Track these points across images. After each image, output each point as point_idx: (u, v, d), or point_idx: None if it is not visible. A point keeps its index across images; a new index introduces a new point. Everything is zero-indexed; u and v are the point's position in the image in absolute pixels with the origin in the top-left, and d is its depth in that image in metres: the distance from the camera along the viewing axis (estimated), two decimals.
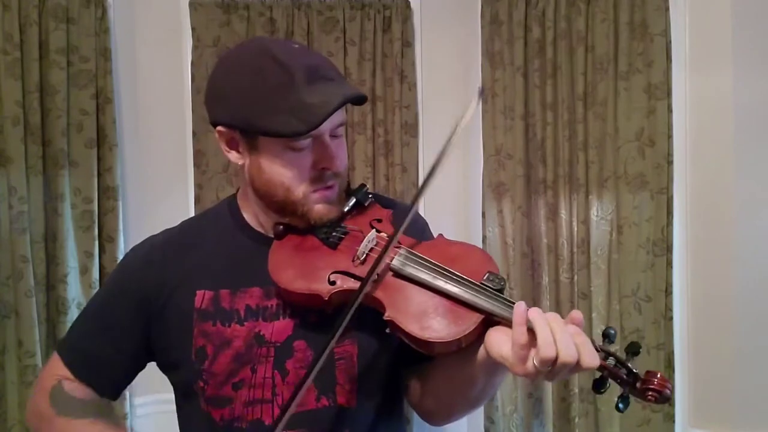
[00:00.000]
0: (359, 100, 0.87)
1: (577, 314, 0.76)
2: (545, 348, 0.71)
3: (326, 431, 0.91)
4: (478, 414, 2.47)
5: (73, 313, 2.25)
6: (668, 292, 2.28)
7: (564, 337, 0.71)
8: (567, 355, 0.70)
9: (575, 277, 2.37)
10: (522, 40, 2.38)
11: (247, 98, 0.86)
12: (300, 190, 0.90)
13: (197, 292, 0.93)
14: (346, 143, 0.96)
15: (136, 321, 0.96)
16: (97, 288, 2.28)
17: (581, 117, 2.34)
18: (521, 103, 2.39)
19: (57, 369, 0.98)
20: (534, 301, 2.40)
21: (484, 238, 2.44)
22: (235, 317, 0.92)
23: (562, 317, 0.77)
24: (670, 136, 2.27)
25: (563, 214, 2.37)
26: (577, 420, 2.34)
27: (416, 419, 2.45)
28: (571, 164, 2.37)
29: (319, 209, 0.92)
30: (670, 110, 2.27)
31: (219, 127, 0.92)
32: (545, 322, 0.73)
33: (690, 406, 2.33)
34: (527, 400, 2.43)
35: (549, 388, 2.38)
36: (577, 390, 2.34)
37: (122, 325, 0.97)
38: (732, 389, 2.22)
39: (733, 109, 2.19)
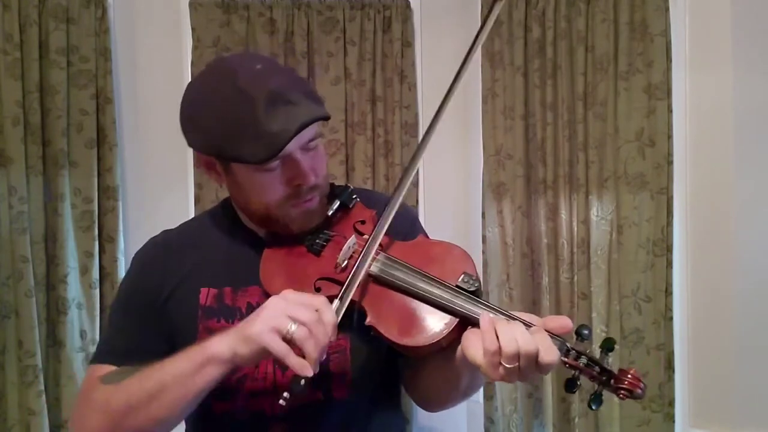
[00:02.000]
0: (321, 120, 0.89)
1: (560, 321, 0.80)
2: (507, 345, 0.75)
3: (321, 424, 0.94)
4: (478, 414, 2.47)
5: (73, 313, 2.25)
6: (668, 292, 2.28)
7: (522, 332, 0.77)
8: (527, 345, 0.75)
9: (575, 277, 2.37)
10: (522, 40, 2.38)
11: (212, 127, 0.88)
12: (277, 207, 0.93)
13: (201, 289, 0.96)
14: (323, 152, 0.97)
15: (152, 321, 0.97)
16: (98, 288, 2.29)
17: (581, 117, 2.34)
18: (521, 103, 2.39)
19: (97, 373, 0.95)
20: (534, 301, 2.40)
21: (484, 238, 2.44)
22: (237, 314, 0.94)
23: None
24: (670, 136, 2.27)
25: (563, 214, 2.37)
26: (577, 420, 2.34)
27: (416, 420, 2.46)
28: (571, 164, 2.37)
29: (300, 222, 0.95)
30: (670, 110, 2.27)
31: (195, 152, 0.95)
32: (506, 324, 0.78)
33: (690, 406, 2.33)
34: (527, 400, 2.43)
35: (549, 388, 2.38)
36: (577, 390, 2.33)
37: (143, 328, 0.98)
38: (732, 389, 2.22)
39: (733, 109, 2.19)
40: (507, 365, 0.75)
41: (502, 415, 2.43)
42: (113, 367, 0.94)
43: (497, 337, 0.77)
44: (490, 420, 2.43)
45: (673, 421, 2.28)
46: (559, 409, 2.40)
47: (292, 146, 0.88)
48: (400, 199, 0.95)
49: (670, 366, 2.28)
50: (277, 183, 0.91)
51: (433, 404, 1.04)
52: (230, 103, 0.86)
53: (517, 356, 0.75)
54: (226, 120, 0.86)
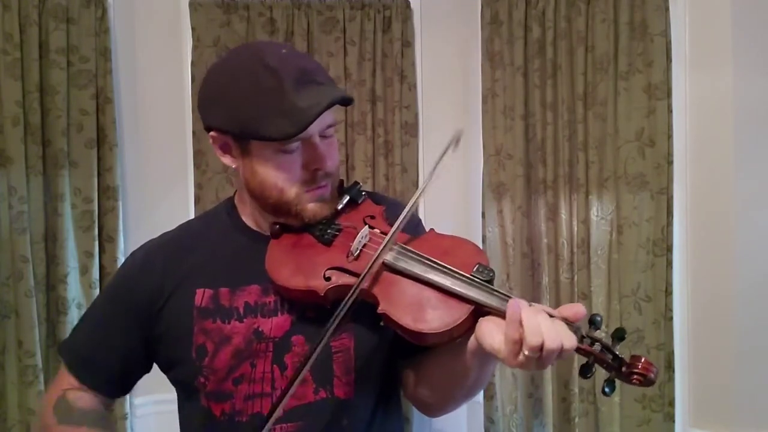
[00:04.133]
0: (346, 102, 0.90)
1: (575, 309, 0.80)
2: (532, 337, 0.74)
3: (324, 423, 0.93)
4: (478, 414, 2.47)
5: (73, 313, 2.25)
6: (668, 292, 2.28)
7: (548, 325, 0.75)
8: (552, 341, 0.74)
9: (575, 277, 2.37)
10: (522, 40, 2.38)
11: (238, 103, 0.88)
12: (293, 190, 0.92)
13: (197, 290, 0.95)
14: (337, 143, 0.98)
15: (136, 324, 0.98)
16: (98, 288, 2.29)
17: (581, 117, 2.34)
18: (521, 103, 2.39)
19: (63, 379, 1.00)
20: (534, 301, 2.39)
21: (484, 238, 2.44)
22: (234, 314, 0.94)
23: None
24: (670, 136, 2.27)
25: (563, 214, 2.37)
26: (577, 420, 2.34)
27: (416, 419, 2.46)
28: (571, 164, 2.37)
29: (313, 208, 0.94)
30: (670, 110, 2.27)
31: (212, 132, 0.94)
32: (531, 313, 0.77)
33: (690, 406, 2.33)
34: (527, 400, 2.43)
35: (549, 388, 2.38)
36: (577, 390, 2.34)
37: (122, 328, 0.99)
38: (732, 389, 2.22)
39: (733, 109, 2.19)
40: (529, 354, 0.75)
41: (502, 415, 2.43)
42: (75, 385, 0.99)
43: (521, 327, 0.76)
44: (490, 420, 2.43)
45: (673, 421, 2.28)
46: (559, 409, 2.40)
47: (314, 129, 0.89)
48: (426, 188, 0.95)
49: (670, 366, 2.28)
50: (295, 166, 0.91)
51: (435, 407, 1.03)
52: (258, 78, 0.86)
53: (540, 347, 0.74)
54: (253, 95, 0.87)
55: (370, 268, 0.86)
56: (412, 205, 0.93)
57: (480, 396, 2.44)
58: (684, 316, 2.32)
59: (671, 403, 2.28)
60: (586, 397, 2.34)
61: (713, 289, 2.26)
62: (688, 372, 2.32)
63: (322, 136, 0.93)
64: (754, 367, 2.20)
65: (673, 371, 2.29)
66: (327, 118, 0.90)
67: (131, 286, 0.99)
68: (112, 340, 0.99)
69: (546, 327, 0.75)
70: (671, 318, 2.28)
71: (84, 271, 2.27)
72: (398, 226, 0.90)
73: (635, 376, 0.76)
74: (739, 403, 2.22)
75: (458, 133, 0.95)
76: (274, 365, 0.93)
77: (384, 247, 0.88)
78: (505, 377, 2.44)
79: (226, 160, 0.96)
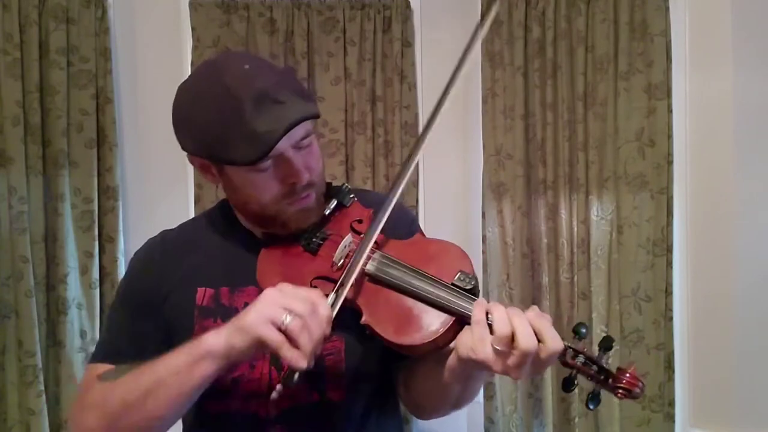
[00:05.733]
0: (311, 118, 0.88)
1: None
2: (500, 324, 0.74)
3: (317, 425, 0.93)
4: (478, 414, 2.47)
5: (73, 313, 2.25)
6: (668, 292, 2.28)
7: (519, 319, 0.74)
8: (523, 335, 0.73)
9: (575, 277, 2.37)
10: (522, 40, 2.38)
11: (201, 129, 0.88)
12: (273, 205, 0.92)
13: (198, 289, 0.96)
14: (317, 150, 0.95)
15: (151, 318, 0.97)
16: (98, 288, 2.29)
17: (581, 117, 2.34)
18: (521, 103, 2.39)
19: (95, 372, 0.95)
20: (534, 302, 2.40)
21: (484, 238, 2.44)
22: (233, 314, 0.93)
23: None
24: (670, 136, 2.27)
25: (563, 214, 2.37)
26: (577, 420, 2.34)
27: (416, 419, 2.45)
28: (571, 164, 2.37)
29: (297, 219, 0.94)
30: (670, 110, 2.27)
31: (188, 154, 0.94)
32: (501, 306, 0.77)
33: (690, 406, 2.33)
34: (527, 400, 2.43)
35: (549, 388, 2.38)
36: (577, 390, 2.33)
37: (142, 325, 0.98)
38: (732, 389, 2.22)
39: (733, 109, 2.19)
40: (498, 346, 0.74)
41: (502, 415, 2.43)
42: (111, 366, 0.94)
43: (487, 316, 0.76)
44: (490, 420, 2.43)
45: (673, 421, 2.28)
46: (559, 409, 2.40)
47: (284, 145, 0.87)
48: (396, 198, 0.93)
49: (670, 366, 2.28)
50: (272, 182, 0.90)
51: (426, 411, 1.03)
52: (217, 104, 0.85)
53: (510, 336, 0.73)
54: (214, 121, 0.86)
55: (341, 283, 0.85)
56: (393, 197, 0.92)
57: (480, 396, 2.44)
58: (684, 316, 2.32)
59: (671, 403, 2.28)
60: (585, 397, 2.34)
61: (713, 289, 2.26)
62: (688, 372, 2.32)
63: (297, 147, 0.90)
64: (754, 367, 2.20)
65: (673, 371, 2.29)
66: (299, 130, 0.88)
67: (135, 286, 1.00)
68: (138, 333, 0.97)
69: (516, 317, 0.75)
70: (671, 318, 2.28)
71: (84, 271, 2.27)
72: (369, 240, 0.89)
73: (619, 391, 0.74)
74: (739, 403, 2.22)
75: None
76: (272, 367, 0.93)
77: (355, 263, 0.87)
78: (505, 377, 2.43)
79: (208, 178, 0.96)
